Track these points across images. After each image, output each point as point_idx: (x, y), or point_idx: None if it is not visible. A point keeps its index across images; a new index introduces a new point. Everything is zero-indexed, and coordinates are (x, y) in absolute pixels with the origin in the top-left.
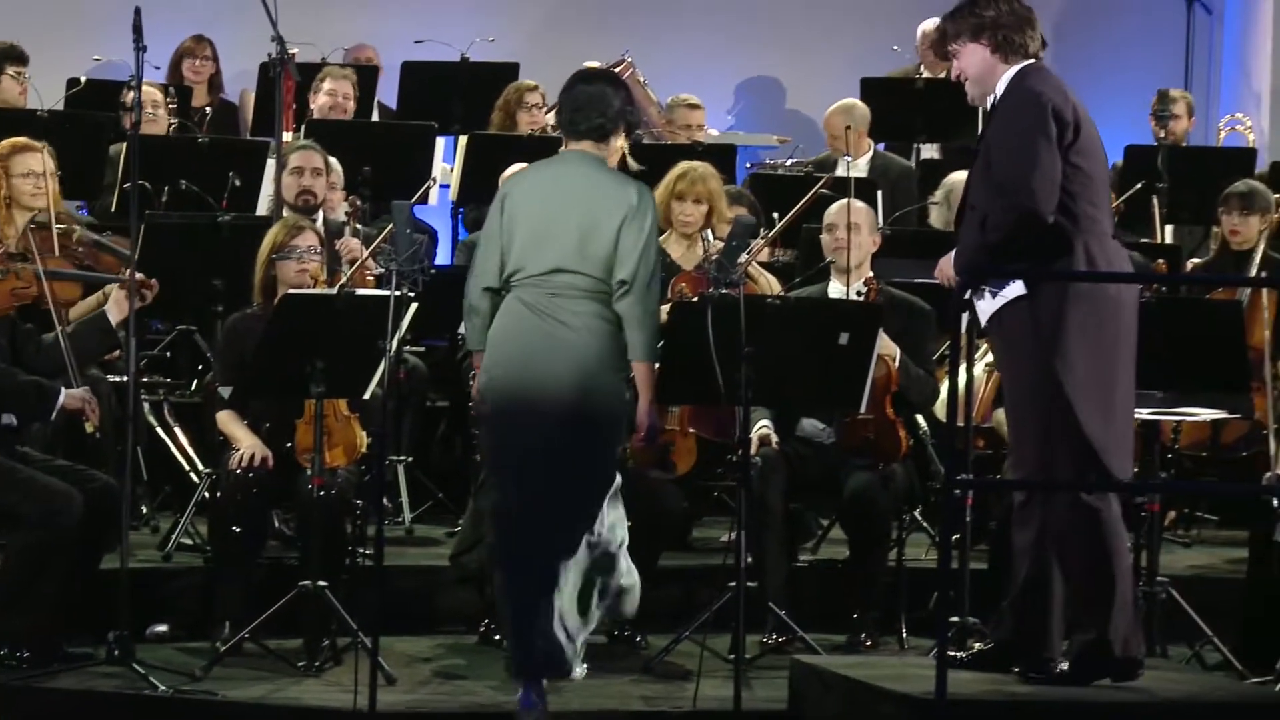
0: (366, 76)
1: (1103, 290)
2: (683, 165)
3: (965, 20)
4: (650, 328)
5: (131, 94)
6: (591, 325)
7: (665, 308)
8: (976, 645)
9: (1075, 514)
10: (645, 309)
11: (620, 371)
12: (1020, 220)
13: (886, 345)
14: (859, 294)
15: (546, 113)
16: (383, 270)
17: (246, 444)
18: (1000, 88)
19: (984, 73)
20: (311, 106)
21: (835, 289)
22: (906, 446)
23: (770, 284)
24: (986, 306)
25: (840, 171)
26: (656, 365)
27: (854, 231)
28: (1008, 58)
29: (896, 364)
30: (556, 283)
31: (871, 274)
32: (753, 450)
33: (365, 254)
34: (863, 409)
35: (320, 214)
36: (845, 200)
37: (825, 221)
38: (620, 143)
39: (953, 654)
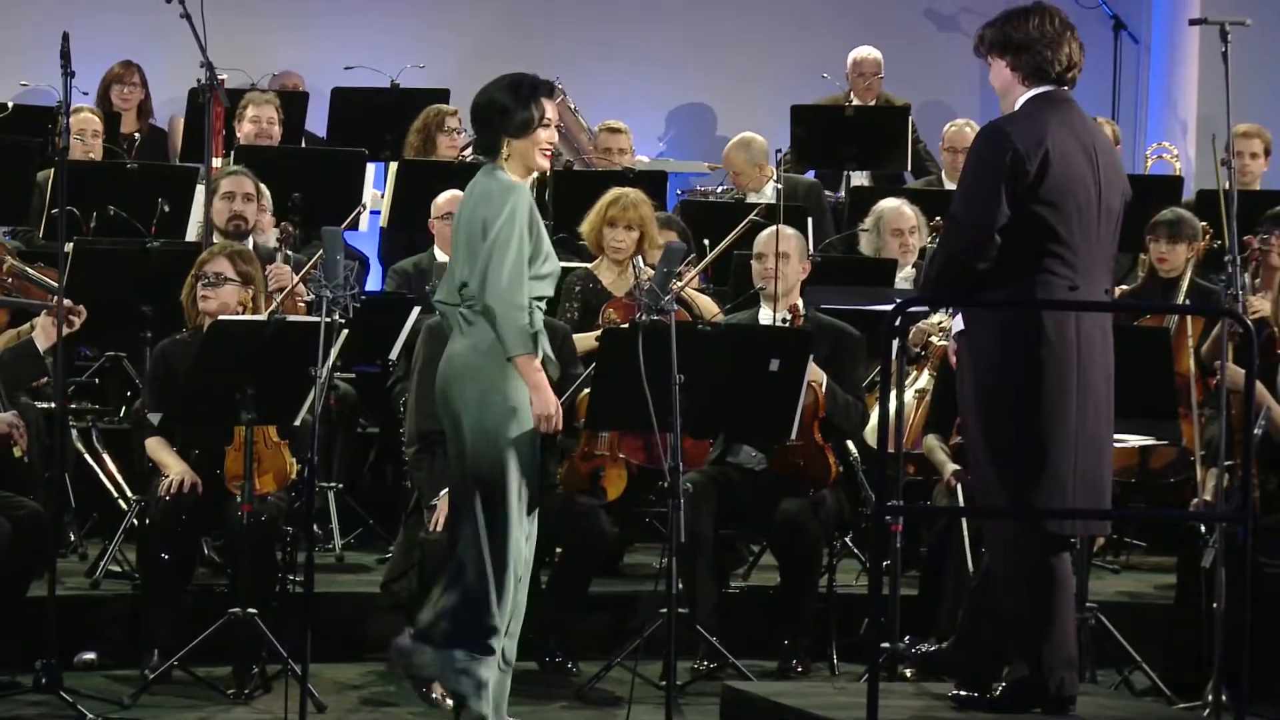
0: (295, 103)
1: (1038, 330)
2: (614, 192)
3: (996, 34)
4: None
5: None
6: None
7: (595, 334)
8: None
9: (1011, 548)
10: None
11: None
12: (948, 257)
13: (814, 372)
14: (784, 320)
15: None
16: (313, 296)
17: (175, 470)
18: (1017, 108)
19: (1005, 90)
20: (238, 134)
21: (765, 315)
22: (836, 472)
23: (708, 306)
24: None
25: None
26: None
27: (783, 260)
28: (1027, 79)
29: (824, 390)
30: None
31: (798, 302)
32: None
33: (295, 280)
34: (793, 435)
35: (251, 239)
36: (775, 228)
37: (755, 250)
38: (514, 147)
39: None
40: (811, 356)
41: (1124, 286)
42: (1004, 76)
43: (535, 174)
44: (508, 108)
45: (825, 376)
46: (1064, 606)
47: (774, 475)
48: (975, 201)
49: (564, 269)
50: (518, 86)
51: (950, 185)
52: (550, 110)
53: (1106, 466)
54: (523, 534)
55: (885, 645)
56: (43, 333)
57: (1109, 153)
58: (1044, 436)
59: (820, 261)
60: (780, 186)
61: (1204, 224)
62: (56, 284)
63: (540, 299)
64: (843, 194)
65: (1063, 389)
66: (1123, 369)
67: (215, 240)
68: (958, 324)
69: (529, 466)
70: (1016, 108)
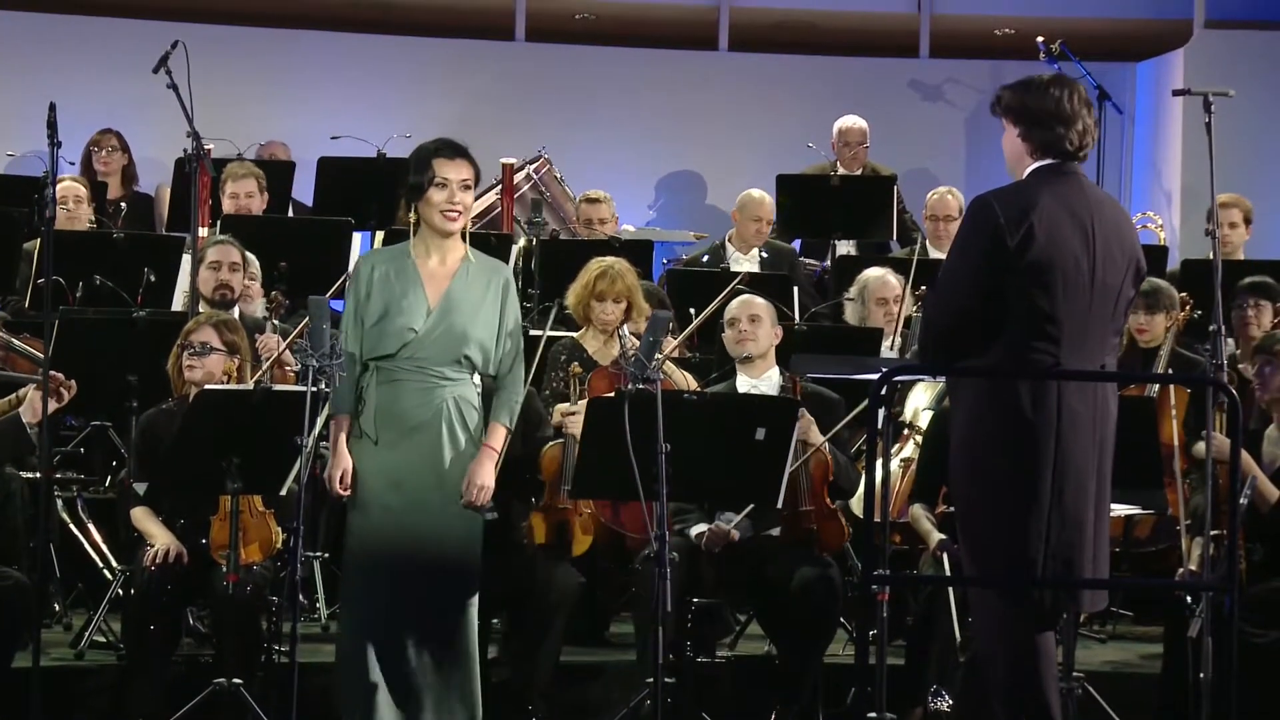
0: (281, 172)
1: (1013, 403)
2: (599, 264)
3: (1014, 99)
4: None
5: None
6: None
7: (582, 403)
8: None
9: (990, 622)
10: None
11: None
12: (926, 326)
13: (816, 435)
14: (783, 389)
15: None
16: (300, 365)
17: (161, 540)
18: (1023, 178)
19: (1013, 159)
20: (222, 205)
21: (744, 383)
22: (847, 534)
23: (686, 380)
24: None
25: (736, 264)
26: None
27: (756, 324)
28: (1035, 152)
29: (829, 453)
30: None
31: (786, 372)
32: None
33: (281, 348)
34: (779, 503)
35: (238, 308)
36: (744, 297)
37: (726, 317)
38: (419, 212)
39: None
40: (815, 421)
41: None
42: (1015, 145)
43: (446, 235)
44: (407, 174)
45: (826, 441)
46: (1047, 680)
47: (788, 541)
48: (956, 274)
49: (549, 338)
50: (416, 152)
51: (935, 253)
52: (449, 170)
53: (1087, 544)
54: (377, 602)
55: (872, 715)
56: (29, 407)
57: (1113, 227)
58: (1013, 511)
59: (806, 330)
60: (765, 255)
61: (1183, 294)
62: (42, 355)
63: (380, 358)
64: (828, 263)
65: (1036, 464)
66: None
67: (201, 309)
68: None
69: (370, 529)
70: (1023, 177)
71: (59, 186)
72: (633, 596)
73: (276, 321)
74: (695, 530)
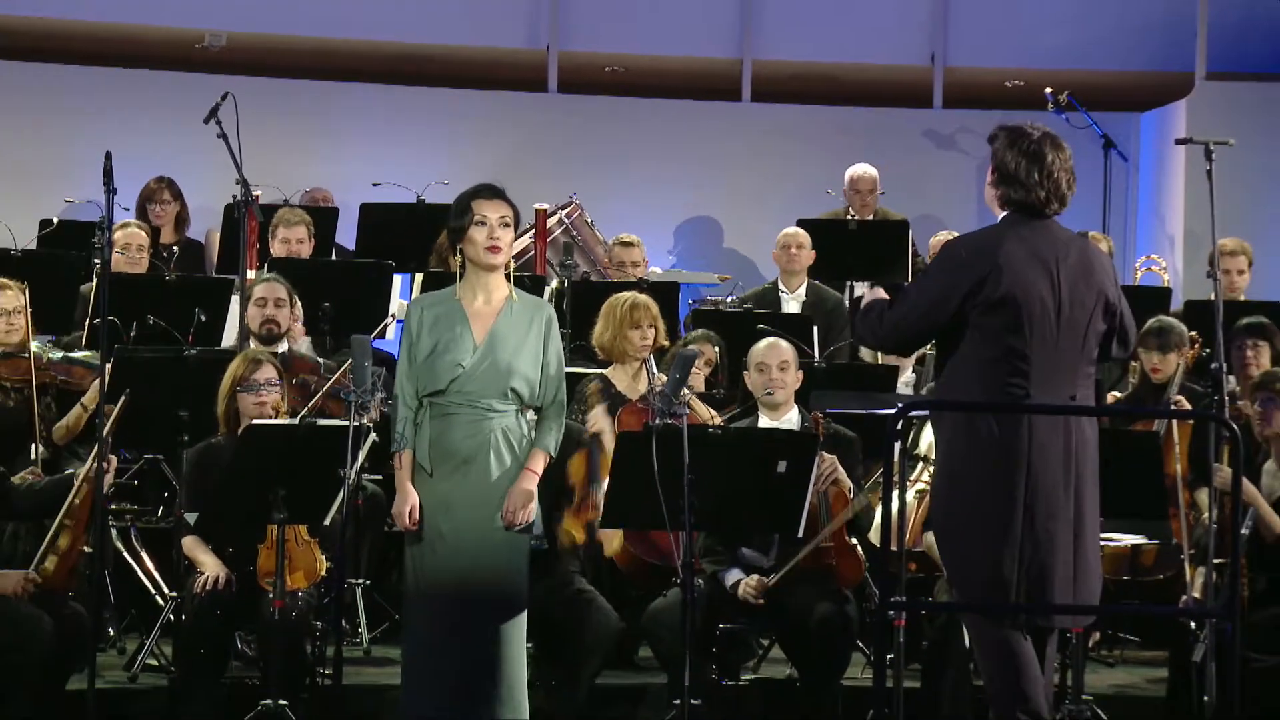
0: (325, 217)
1: (983, 434)
2: (624, 297)
3: (998, 149)
4: None
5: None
6: None
7: (610, 439)
8: None
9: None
10: None
11: None
12: (876, 327)
13: (840, 471)
14: (805, 427)
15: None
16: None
17: (211, 568)
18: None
19: (989, 200)
20: (271, 248)
21: (765, 423)
22: (864, 568)
23: (710, 416)
24: None
25: (788, 304)
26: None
27: (785, 372)
28: (1003, 202)
29: (850, 492)
30: None
31: (816, 412)
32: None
33: (326, 386)
34: (800, 533)
35: (285, 344)
36: (772, 341)
37: (753, 361)
38: (465, 254)
39: None
40: (837, 459)
41: (1116, 394)
42: (989, 191)
43: (490, 270)
44: (448, 220)
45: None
46: (1031, 680)
47: (807, 574)
48: (910, 301)
49: (578, 375)
50: (457, 199)
51: None
52: (488, 210)
53: (1060, 565)
54: (435, 624)
55: None
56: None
57: (1080, 267)
58: (985, 533)
59: (825, 368)
60: (807, 298)
61: (1193, 333)
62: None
63: (432, 394)
64: (846, 304)
65: (1007, 491)
66: (1115, 471)
67: (250, 345)
68: None
69: (426, 557)
70: (998, 220)
71: (124, 233)
72: (660, 622)
73: (321, 360)
74: (730, 579)
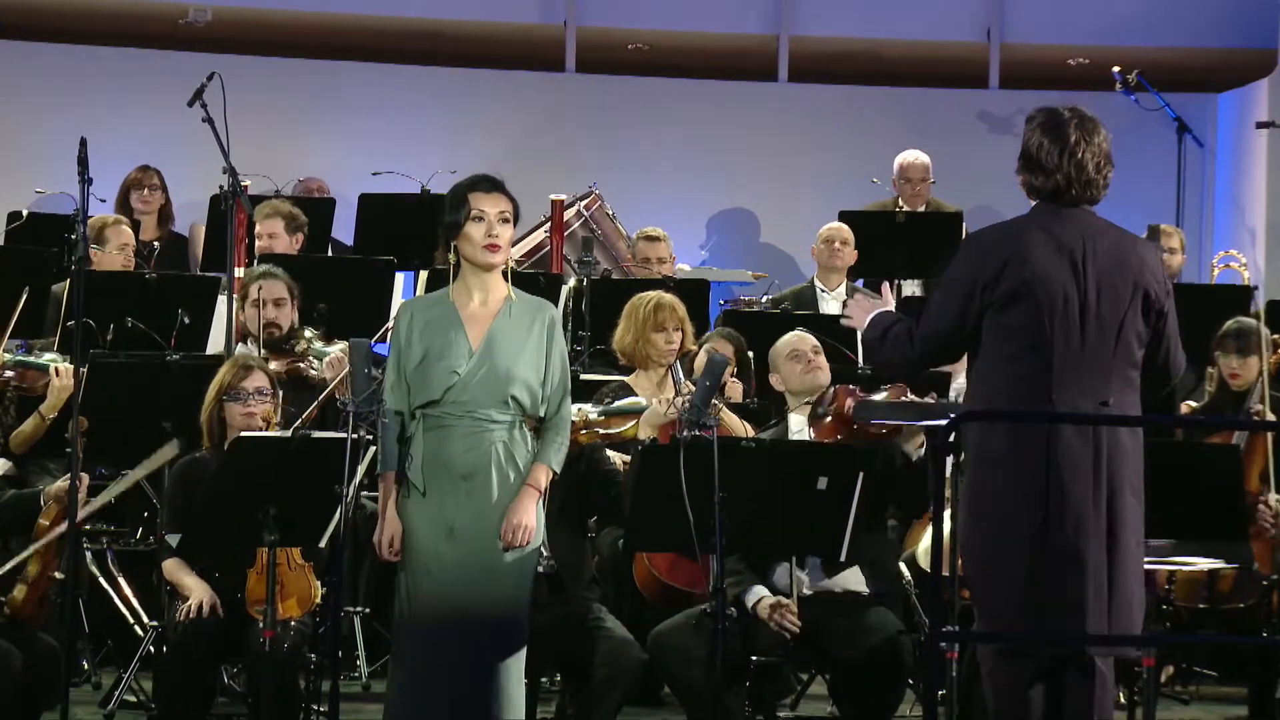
0: (320, 210)
1: (1003, 441)
2: (647, 297)
3: (1026, 134)
4: None
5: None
6: None
7: (626, 458)
8: None
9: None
10: None
11: None
12: (920, 339)
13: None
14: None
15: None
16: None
17: (196, 592)
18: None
19: (1024, 193)
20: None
21: (796, 423)
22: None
23: (743, 428)
24: None
25: (825, 305)
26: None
27: (819, 354)
28: (1028, 190)
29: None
30: None
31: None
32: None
33: (321, 397)
34: (843, 557)
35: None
36: (796, 332)
37: (782, 354)
38: (461, 252)
39: None
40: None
41: (1191, 403)
42: (1018, 179)
43: (488, 270)
44: (440, 216)
45: None
46: None
47: (822, 597)
48: (936, 307)
49: (597, 382)
50: (451, 190)
51: None
52: (486, 204)
53: (1091, 586)
54: (428, 660)
55: None
56: (52, 395)
57: (1116, 259)
58: (999, 552)
59: (869, 374)
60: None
61: (1276, 335)
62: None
63: (425, 405)
64: (893, 305)
65: (1025, 503)
66: (1190, 489)
67: (245, 347)
68: None
69: (422, 586)
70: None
71: (109, 230)
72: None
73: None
74: (753, 598)
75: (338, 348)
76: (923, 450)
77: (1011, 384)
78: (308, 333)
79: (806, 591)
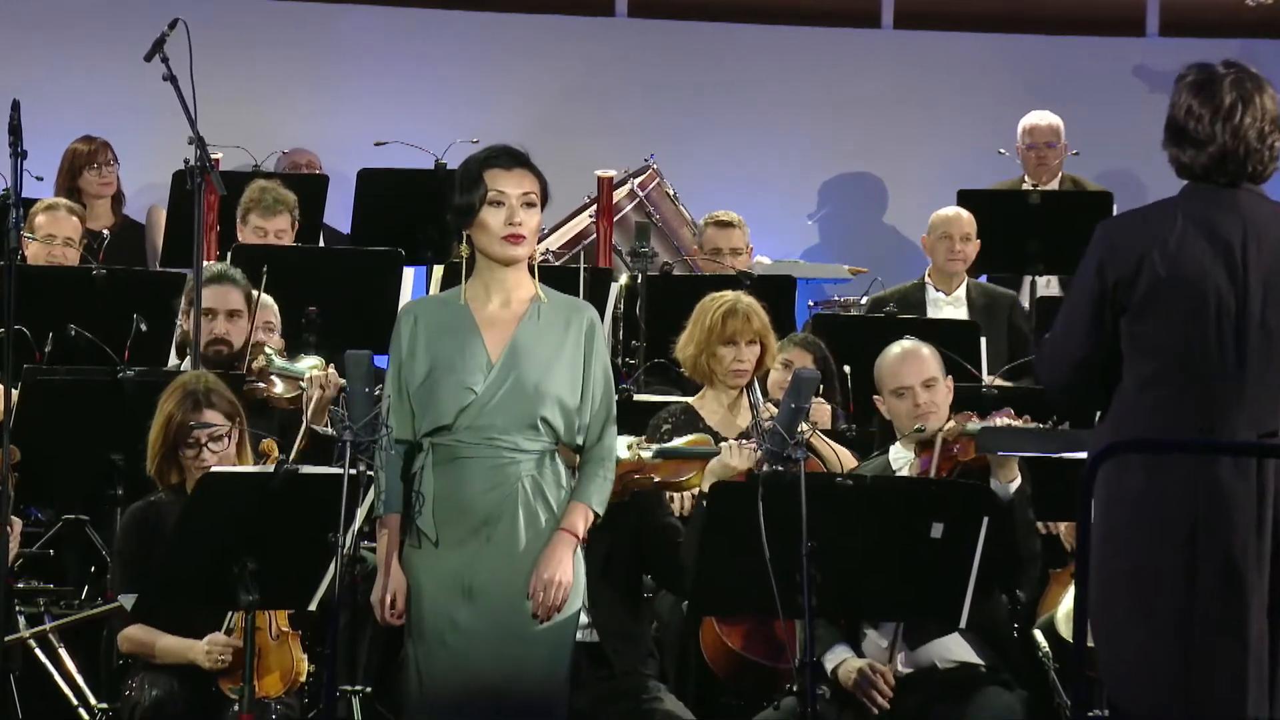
0: (310, 189)
1: (1129, 480)
2: (718, 300)
3: (1175, 89)
4: None
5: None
6: None
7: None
8: None
9: None
10: None
11: None
12: (1045, 386)
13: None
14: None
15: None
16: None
17: (195, 650)
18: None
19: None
20: (239, 235)
21: (898, 455)
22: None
23: (839, 459)
24: None
25: (936, 309)
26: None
27: (933, 390)
28: (1176, 168)
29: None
30: None
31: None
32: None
33: (306, 415)
34: (962, 623)
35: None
36: (905, 347)
37: (886, 383)
38: (474, 244)
39: None
40: None
41: None
42: (1166, 151)
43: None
44: (449, 198)
45: None
46: None
47: (927, 672)
48: (1067, 323)
49: (655, 404)
50: (463, 165)
51: None
52: (506, 183)
53: (1255, 664)
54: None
55: None
56: None
57: None
58: (1133, 620)
59: (997, 393)
60: (973, 297)
61: None
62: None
63: (434, 432)
64: (1026, 306)
65: (1165, 560)
66: None
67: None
68: None
69: (435, 658)
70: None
71: (48, 217)
72: None
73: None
74: (833, 660)
75: (309, 363)
76: (1014, 486)
77: (1148, 412)
78: (268, 348)
79: (902, 669)
